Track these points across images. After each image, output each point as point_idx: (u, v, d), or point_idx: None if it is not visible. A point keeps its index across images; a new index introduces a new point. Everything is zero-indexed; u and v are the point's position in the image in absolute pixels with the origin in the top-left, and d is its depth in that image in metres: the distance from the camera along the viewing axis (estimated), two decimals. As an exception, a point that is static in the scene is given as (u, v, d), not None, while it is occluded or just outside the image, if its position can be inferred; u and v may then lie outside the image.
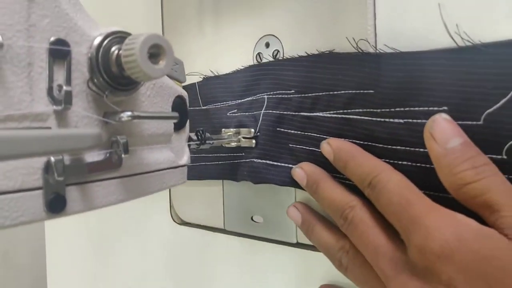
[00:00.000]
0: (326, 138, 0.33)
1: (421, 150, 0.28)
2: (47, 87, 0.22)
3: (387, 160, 0.30)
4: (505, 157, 0.26)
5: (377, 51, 0.31)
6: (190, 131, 0.33)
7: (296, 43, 0.36)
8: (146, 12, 0.53)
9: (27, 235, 0.97)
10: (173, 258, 0.52)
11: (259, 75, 0.38)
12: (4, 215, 0.21)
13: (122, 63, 0.22)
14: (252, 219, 0.41)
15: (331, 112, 0.33)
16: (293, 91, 0.35)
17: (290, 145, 0.36)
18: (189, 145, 0.33)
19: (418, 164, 0.29)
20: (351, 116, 0.32)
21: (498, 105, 0.25)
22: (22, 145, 0.17)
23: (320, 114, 0.34)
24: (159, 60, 0.22)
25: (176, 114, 0.27)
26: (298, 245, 0.38)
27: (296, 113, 0.35)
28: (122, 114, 0.24)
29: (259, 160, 0.37)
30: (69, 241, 0.69)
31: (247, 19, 0.39)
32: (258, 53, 0.39)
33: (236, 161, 0.40)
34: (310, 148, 0.35)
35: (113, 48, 0.24)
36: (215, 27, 0.43)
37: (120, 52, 0.23)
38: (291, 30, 0.36)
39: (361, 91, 0.31)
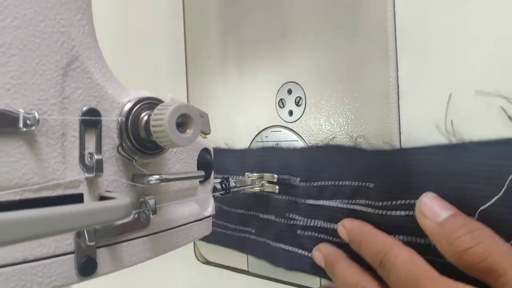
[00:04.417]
0: (331, 226, 0.34)
1: (423, 239, 0.29)
2: (79, 155, 0.23)
3: None
4: None
5: (374, 147, 0.32)
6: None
7: (318, 91, 0.36)
8: (170, 58, 0.54)
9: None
10: (197, 297, 0.52)
11: (269, 156, 0.40)
12: (38, 281, 0.22)
13: (151, 130, 0.23)
14: (276, 262, 0.41)
15: (337, 201, 0.34)
16: (298, 178, 0.37)
17: (298, 231, 0.37)
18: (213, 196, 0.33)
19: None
20: (356, 207, 0.33)
21: (491, 202, 0.25)
22: (55, 224, 0.18)
23: (326, 202, 0.35)
24: (186, 128, 0.23)
25: (202, 173, 0.27)
26: (322, 290, 0.37)
27: (303, 200, 0.36)
28: (150, 178, 0.25)
29: (274, 243, 0.39)
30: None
31: (269, 65, 0.40)
32: (281, 99, 0.39)
33: (248, 236, 0.42)
34: (317, 235, 0.36)
35: (142, 114, 0.25)
36: (238, 72, 0.43)
37: (150, 118, 0.23)
38: (314, 78, 0.36)
39: (363, 183, 0.32)
